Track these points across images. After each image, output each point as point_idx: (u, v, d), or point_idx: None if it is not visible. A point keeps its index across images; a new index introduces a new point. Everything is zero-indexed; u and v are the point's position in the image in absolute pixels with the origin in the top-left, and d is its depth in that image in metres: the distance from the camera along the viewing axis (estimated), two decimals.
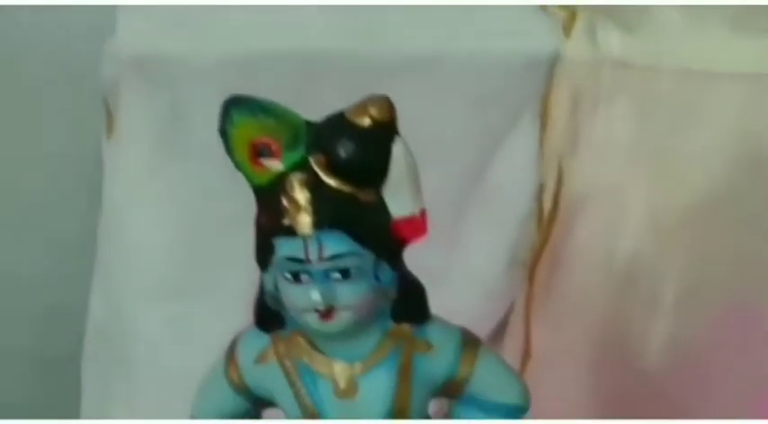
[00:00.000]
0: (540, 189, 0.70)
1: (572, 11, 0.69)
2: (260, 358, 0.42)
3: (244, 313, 0.48)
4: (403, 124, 0.41)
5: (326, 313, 0.38)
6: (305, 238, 0.38)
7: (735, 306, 0.72)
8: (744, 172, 0.69)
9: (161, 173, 0.64)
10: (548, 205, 0.71)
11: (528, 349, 0.74)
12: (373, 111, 0.38)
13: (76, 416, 0.76)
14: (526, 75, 0.67)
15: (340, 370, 0.41)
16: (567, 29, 0.69)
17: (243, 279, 0.52)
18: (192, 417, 0.45)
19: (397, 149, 0.38)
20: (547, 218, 0.71)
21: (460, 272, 0.71)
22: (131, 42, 0.62)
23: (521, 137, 0.69)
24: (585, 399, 0.75)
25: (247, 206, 0.49)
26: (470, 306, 0.72)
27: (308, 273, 0.38)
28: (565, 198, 0.71)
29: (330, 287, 0.38)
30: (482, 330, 0.63)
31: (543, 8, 0.69)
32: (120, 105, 0.63)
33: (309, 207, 0.38)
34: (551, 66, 0.68)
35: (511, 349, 0.76)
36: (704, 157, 0.69)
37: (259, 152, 0.38)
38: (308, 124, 0.39)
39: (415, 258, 0.44)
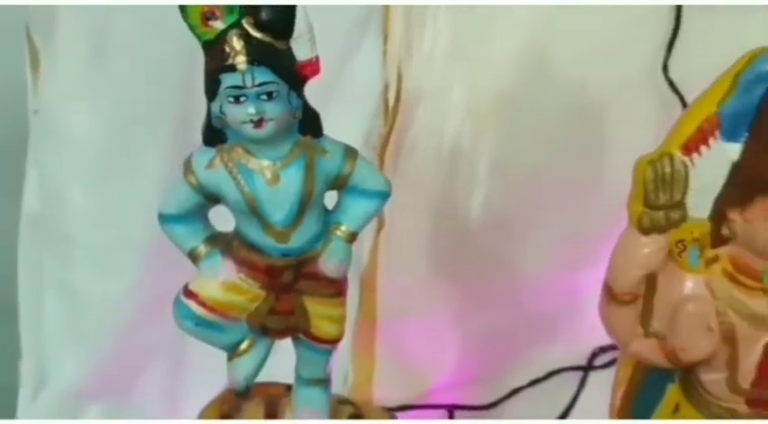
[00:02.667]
0: (385, 88, 0.88)
1: None
2: (209, 165, 0.61)
3: (162, 187, 0.66)
4: None
5: (258, 122, 0.58)
6: (242, 72, 0.57)
7: (534, 175, 0.93)
8: (533, 71, 0.89)
9: (91, 76, 0.81)
10: (391, 101, 0.89)
11: (381, 219, 0.92)
12: None
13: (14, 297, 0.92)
14: None
15: (267, 166, 0.60)
16: None
17: (161, 163, 0.71)
18: (160, 212, 0.63)
19: (299, 13, 0.58)
20: (391, 111, 0.89)
21: None
22: None
23: (367, 48, 0.87)
24: (426, 255, 0.95)
25: (165, 101, 0.65)
26: None
27: (245, 96, 0.57)
28: (404, 95, 0.89)
29: (260, 105, 0.58)
30: None
31: None
32: (57, 27, 0.79)
33: (244, 51, 0.57)
34: None
35: None
36: (504, 61, 0.89)
37: (207, 17, 0.57)
38: None
39: None
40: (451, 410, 0.97)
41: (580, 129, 0.91)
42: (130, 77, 0.81)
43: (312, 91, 0.64)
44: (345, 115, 0.87)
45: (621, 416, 0.71)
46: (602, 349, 0.98)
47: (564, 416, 0.99)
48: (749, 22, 0.87)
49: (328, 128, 0.65)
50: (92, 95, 0.82)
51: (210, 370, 0.72)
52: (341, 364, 0.92)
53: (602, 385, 0.74)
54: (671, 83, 0.90)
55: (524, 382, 0.99)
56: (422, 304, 0.96)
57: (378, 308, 0.95)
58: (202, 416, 0.70)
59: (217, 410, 0.70)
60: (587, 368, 1.00)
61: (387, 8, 0.87)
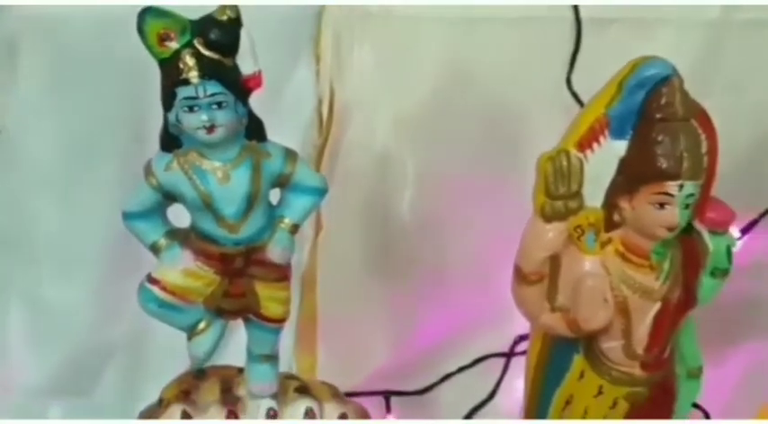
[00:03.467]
0: (319, 104, 0.97)
1: None
2: (167, 168, 0.69)
3: (118, 199, 0.73)
4: None
5: (210, 128, 0.66)
6: (195, 85, 0.66)
7: (456, 179, 1.01)
8: (451, 85, 0.98)
9: (51, 99, 0.89)
10: (325, 114, 0.98)
11: (319, 222, 1.01)
12: (228, 12, 0.66)
13: None
14: (300, 24, 0.95)
15: (218, 167, 0.69)
16: None
17: (118, 177, 0.78)
18: (124, 211, 0.71)
19: (243, 34, 0.67)
20: (325, 124, 0.98)
21: None
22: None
23: (302, 69, 0.96)
24: (361, 255, 1.03)
25: (119, 120, 0.72)
26: None
27: (198, 106, 0.66)
28: (337, 109, 0.98)
29: (212, 113, 0.66)
30: None
31: None
32: (19, 52, 0.87)
33: (196, 67, 0.66)
34: (319, 18, 0.96)
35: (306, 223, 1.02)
36: (425, 77, 0.98)
37: (163, 38, 0.66)
38: (192, 21, 0.66)
39: None
40: (387, 397, 1.05)
41: (496, 137, 0.99)
42: (86, 98, 0.89)
43: (253, 107, 0.72)
44: (283, 128, 0.91)
45: (535, 385, 0.80)
46: (522, 337, 1.03)
47: (490, 398, 1.07)
48: (644, 36, 0.97)
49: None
50: (51, 117, 0.90)
51: (168, 369, 0.80)
52: (285, 357, 0.96)
53: (523, 369, 0.81)
54: (574, 95, 0.99)
55: (453, 368, 1.07)
56: (358, 300, 1.04)
57: (317, 305, 1.03)
58: (163, 395, 0.78)
59: (176, 388, 0.78)
60: (509, 355, 1.08)
61: (318, 32, 0.96)
